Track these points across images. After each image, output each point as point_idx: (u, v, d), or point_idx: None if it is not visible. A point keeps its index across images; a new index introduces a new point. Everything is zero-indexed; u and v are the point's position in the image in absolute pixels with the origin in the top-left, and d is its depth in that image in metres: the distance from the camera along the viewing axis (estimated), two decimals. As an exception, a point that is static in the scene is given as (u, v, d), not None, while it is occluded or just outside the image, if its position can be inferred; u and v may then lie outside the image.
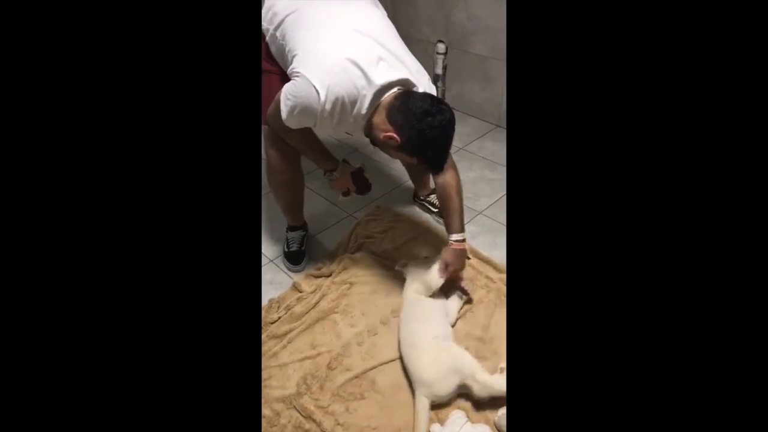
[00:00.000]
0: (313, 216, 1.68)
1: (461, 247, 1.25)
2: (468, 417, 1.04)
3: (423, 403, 1.05)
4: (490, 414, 1.06)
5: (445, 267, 1.24)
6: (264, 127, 1.24)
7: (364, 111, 1.06)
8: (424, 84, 1.13)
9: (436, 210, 1.68)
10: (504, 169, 1.94)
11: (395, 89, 1.07)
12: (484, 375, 1.05)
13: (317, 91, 1.00)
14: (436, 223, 1.67)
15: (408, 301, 1.26)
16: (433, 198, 1.69)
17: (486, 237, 1.61)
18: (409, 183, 1.87)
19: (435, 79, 2.33)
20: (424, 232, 1.61)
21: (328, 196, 1.80)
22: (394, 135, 1.04)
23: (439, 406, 1.08)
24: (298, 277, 1.45)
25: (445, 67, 2.29)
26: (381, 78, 1.04)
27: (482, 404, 1.07)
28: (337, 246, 1.57)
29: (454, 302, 1.30)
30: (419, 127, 1.01)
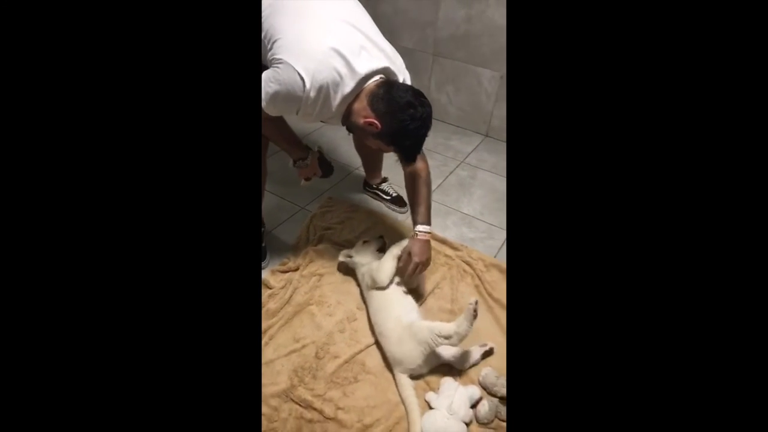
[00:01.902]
0: (265, 212, 1.64)
1: (426, 239, 1.26)
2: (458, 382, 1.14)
3: (403, 380, 1.13)
4: (474, 375, 1.17)
5: (408, 257, 1.24)
6: None
7: (347, 98, 1.08)
8: (402, 71, 1.18)
9: (388, 197, 1.75)
10: (439, 156, 2.07)
11: (377, 77, 1.10)
12: (441, 325, 1.10)
13: (302, 78, 1.00)
14: (389, 211, 1.75)
15: (368, 291, 1.30)
16: (385, 186, 1.76)
17: (436, 219, 1.71)
18: (357, 172, 1.91)
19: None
20: (381, 220, 1.68)
21: (275, 191, 1.77)
22: (375, 121, 1.07)
23: (428, 377, 1.16)
24: (264, 274, 1.43)
25: (372, 60, 2.36)
26: (363, 67, 1.06)
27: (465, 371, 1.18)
28: (298, 240, 1.56)
29: (421, 278, 1.37)
30: (401, 117, 1.05)
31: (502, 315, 1.34)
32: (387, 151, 1.19)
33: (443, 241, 1.59)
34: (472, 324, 1.08)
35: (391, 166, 1.90)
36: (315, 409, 1.08)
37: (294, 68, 1.00)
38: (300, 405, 1.09)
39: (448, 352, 1.18)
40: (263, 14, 1.08)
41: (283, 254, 1.51)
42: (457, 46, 2.11)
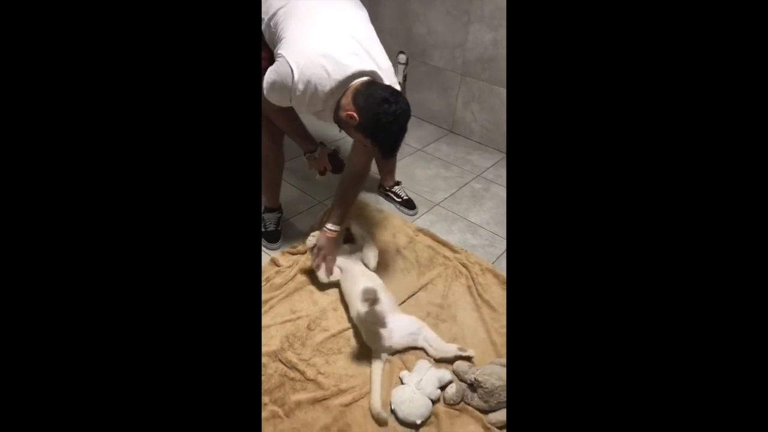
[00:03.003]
0: (286, 202, 1.81)
1: (332, 236, 1.41)
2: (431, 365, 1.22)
3: (376, 362, 1.23)
4: (449, 366, 1.25)
5: (318, 251, 1.42)
6: None
7: (333, 93, 1.19)
8: (390, 80, 1.27)
9: (399, 200, 1.87)
10: (456, 168, 2.18)
11: (364, 78, 1.21)
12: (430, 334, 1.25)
13: (292, 70, 1.15)
14: (398, 212, 1.87)
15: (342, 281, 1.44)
16: (397, 189, 1.89)
17: (443, 224, 1.82)
18: (374, 175, 2.05)
19: (396, 86, 2.55)
20: (387, 219, 1.80)
21: (298, 185, 1.94)
22: (354, 114, 1.17)
23: (405, 358, 1.26)
24: (275, 254, 1.58)
25: (405, 76, 2.52)
26: (350, 67, 1.17)
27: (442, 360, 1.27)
28: (310, 228, 1.71)
29: (370, 252, 1.49)
30: (376, 110, 1.14)
31: (489, 315, 1.41)
32: (367, 145, 1.25)
33: (444, 243, 1.68)
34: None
35: (405, 171, 2.04)
36: (298, 370, 1.20)
37: (287, 61, 1.15)
38: (286, 365, 1.21)
39: (424, 336, 1.27)
40: (278, 18, 1.25)
41: (296, 240, 1.66)
42: (483, 68, 2.23)
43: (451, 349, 1.27)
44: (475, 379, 1.16)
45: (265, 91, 1.22)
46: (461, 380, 1.20)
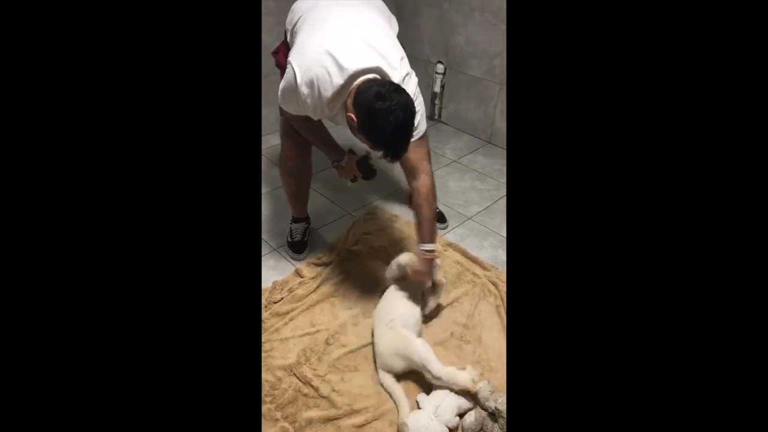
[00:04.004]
0: (315, 212, 1.81)
1: (428, 257, 1.26)
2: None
3: (386, 377, 1.18)
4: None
5: (412, 273, 1.29)
6: (280, 118, 1.37)
7: (338, 94, 1.12)
8: (400, 76, 1.15)
9: (429, 213, 1.82)
10: (492, 181, 2.10)
11: (369, 75, 1.11)
12: (436, 366, 1.13)
13: (295, 72, 1.12)
14: (428, 225, 1.81)
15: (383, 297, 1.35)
16: (427, 202, 1.83)
17: (474, 239, 1.75)
18: (406, 186, 2.01)
19: (433, 97, 2.51)
20: (418, 231, 1.75)
21: (328, 195, 1.93)
22: (353, 115, 1.08)
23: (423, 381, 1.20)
24: (300, 265, 1.57)
25: (443, 86, 2.47)
26: (352, 65, 1.09)
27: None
28: (337, 239, 1.70)
29: (433, 300, 1.37)
30: (369, 107, 1.03)
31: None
32: (375, 149, 1.15)
33: (474, 260, 1.61)
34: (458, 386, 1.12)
35: (439, 183, 1.96)
36: (312, 386, 1.17)
37: (291, 65, 1.13)
38: (300, 380, 1.19)
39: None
40: (298, 27, 1.23)
41: (322, 250, 1.65)
42: (523, 77, 2.14)
43: (451, 378, 1.14)
44: (497, 408, 1.08)
45: (279, 100, 1.21)
46: (482, 407, 1.13)
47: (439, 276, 1.34)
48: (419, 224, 1.29)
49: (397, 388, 1.14)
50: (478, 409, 1.12)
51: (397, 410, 1.12)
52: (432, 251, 1.26)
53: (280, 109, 1.31)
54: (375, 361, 1.24)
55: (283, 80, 1.18)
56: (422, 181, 1.26)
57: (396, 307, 1.29)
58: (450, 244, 1.69)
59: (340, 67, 1.10)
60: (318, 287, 1.47)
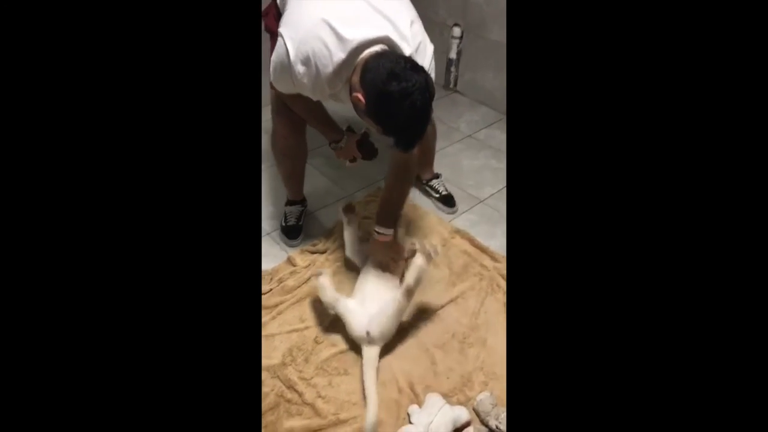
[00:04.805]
0: (313, 193, 1.68)
1: (381, 240, 1.24)
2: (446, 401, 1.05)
3: (370, 353, 1.12)
4: (469, 394, 1.07)
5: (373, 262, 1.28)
6: (271, 92, 1.21)
7: (338, 72, 0.97)
8: (412, 46, 1.00)
9: (437, 195, 1.67)
10: (510, 160, 1.92)
11: (377, 47, 0.95)
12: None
13: (287, 48, 0.97)
14: (435, 208, 1.67)
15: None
16: (435, 183, 1.68)
17: (485, 226, 1.60)
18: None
19: (448, 64, 2.29)
20: (422, 217, 1.61)
21: (328, 174, 1.79)
22: (360, 96, 0.94)
23: (417, 389, 1.09)
24: (293, 252, 1.46)
25: (459, 52, 2.25)
26: (355, 36, 0.93)
27: (457, 390, 1.08)
28: (335, 224, 1.57)
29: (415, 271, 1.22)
30: (380, 89, 0.89)
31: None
32: (383, 135, 1.00)
33: (483, 250, 1.47)
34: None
35: (450, 161, 1.81)
36: (296, 391, 1.08)
37: (283, 39, 0.97)
38: (284, 384, 1.10)
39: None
40: None
41: (318, 236, 1.53)
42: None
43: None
44: (497, 427, 0.97)
45: (271, 78, 1.06)
46: (482, 422, 1.02)
47: (401, 237, 1.34)
48: (379, 203, 1.19)
49: (373, 393, 1.03)
50: (478, 424, 1.01)
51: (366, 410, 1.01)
52: (386, 234, 1.23)
53: (271, 84, 1.15)
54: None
55: (273, 54, 1.02)
56: (402, 153, 1.12)
57: (367, 283, 1.25)
58: (457, 231, 1.54)
59: (341, 39, 0.94)
60: (310, 278, 1.36)
